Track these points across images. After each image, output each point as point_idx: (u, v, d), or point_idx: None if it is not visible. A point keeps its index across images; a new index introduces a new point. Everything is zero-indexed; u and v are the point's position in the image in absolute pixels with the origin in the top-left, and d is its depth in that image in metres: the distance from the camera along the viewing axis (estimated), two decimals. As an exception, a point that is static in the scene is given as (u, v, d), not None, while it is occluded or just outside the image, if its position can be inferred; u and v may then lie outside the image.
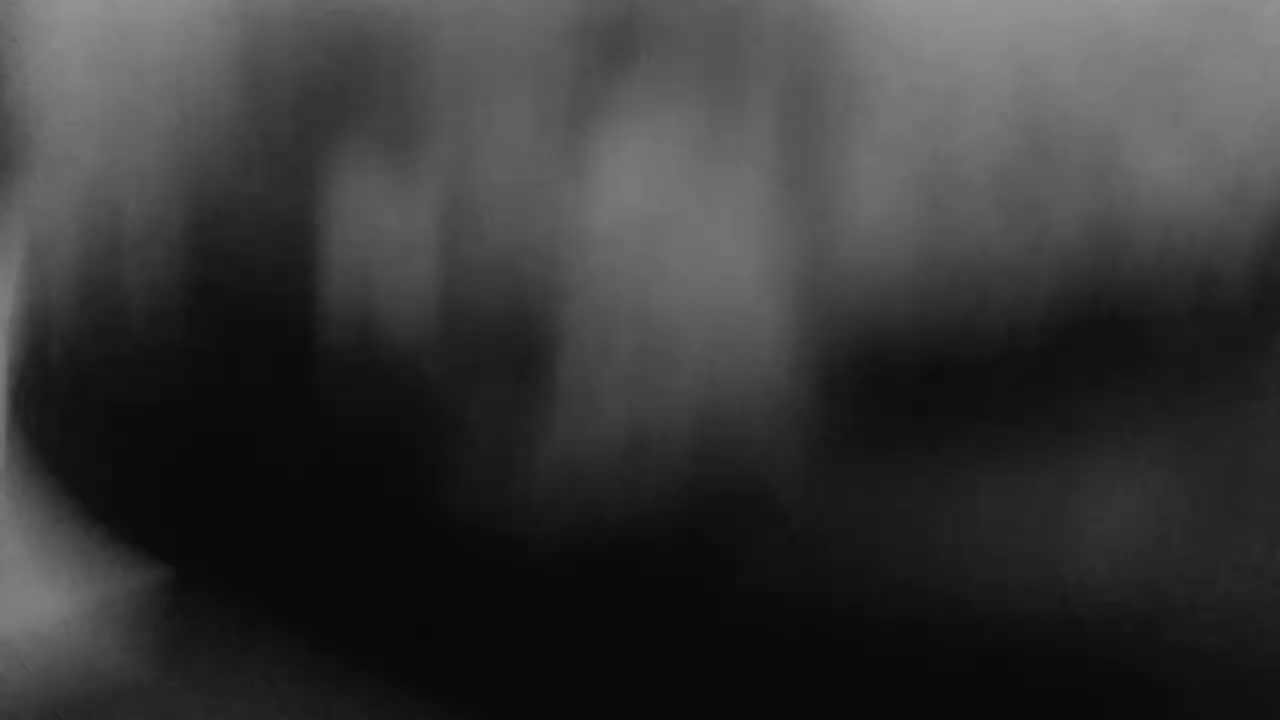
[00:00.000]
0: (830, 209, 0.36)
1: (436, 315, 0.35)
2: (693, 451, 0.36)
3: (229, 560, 0.46)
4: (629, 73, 0.37)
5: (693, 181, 0.37)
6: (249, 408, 0.42)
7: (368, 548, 0.41)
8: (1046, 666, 0.37)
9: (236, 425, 0.43)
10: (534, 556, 0.37)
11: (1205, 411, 0.39)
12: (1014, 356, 0.37)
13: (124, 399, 0.45)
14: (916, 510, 0.38)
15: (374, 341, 0.35)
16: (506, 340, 0.35)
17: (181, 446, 0.44)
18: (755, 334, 0.36)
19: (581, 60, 0.37)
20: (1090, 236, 0.37)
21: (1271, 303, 0.39)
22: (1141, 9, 0.38)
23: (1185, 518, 0.38)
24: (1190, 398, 0.40)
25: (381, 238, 0.36)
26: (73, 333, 0.42)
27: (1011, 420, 0.38)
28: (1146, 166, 0.37)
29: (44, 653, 1.17)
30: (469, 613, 0.40)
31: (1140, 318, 0.38)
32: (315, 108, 0.39)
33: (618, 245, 0.35)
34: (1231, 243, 0.38)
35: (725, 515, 0.37)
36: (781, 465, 0.36)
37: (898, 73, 0.37)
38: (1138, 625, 0.37)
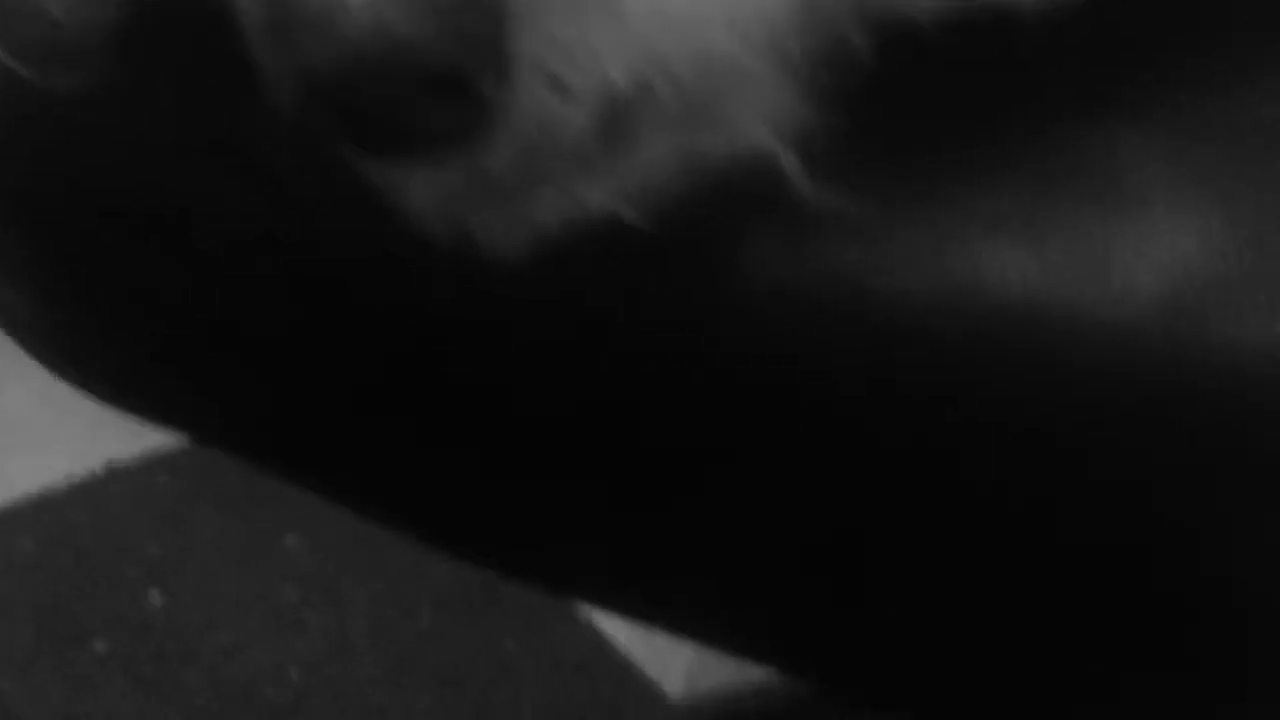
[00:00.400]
0: None
1: None
2: (681, 123, 0.31)
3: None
4: None
5: None
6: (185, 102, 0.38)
7: (331, 283, 0.36)
8: (1087, 368, 0.32)
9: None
10: (503, 262, 0.31)
11: (1265, 103, 0.34)
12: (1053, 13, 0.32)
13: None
14: (937, 192, 0.32)
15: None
16: None
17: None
18: None
19: None
20: None
21: None
22: None
23: (1230, 214, 0.33)
24: (1253, 85, 0.34)
25: None
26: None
27: (1048, 92, 0.33)
28: None
29: (58, 510, 1.15)
30: (443, 344, 0.35)
31: None
32: None
33: None
34: None
35: (718, 200, 0.32)
36: (782, 138, 0.31)
37: None
38: (1182, 320, 0.32)
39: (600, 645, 1.21)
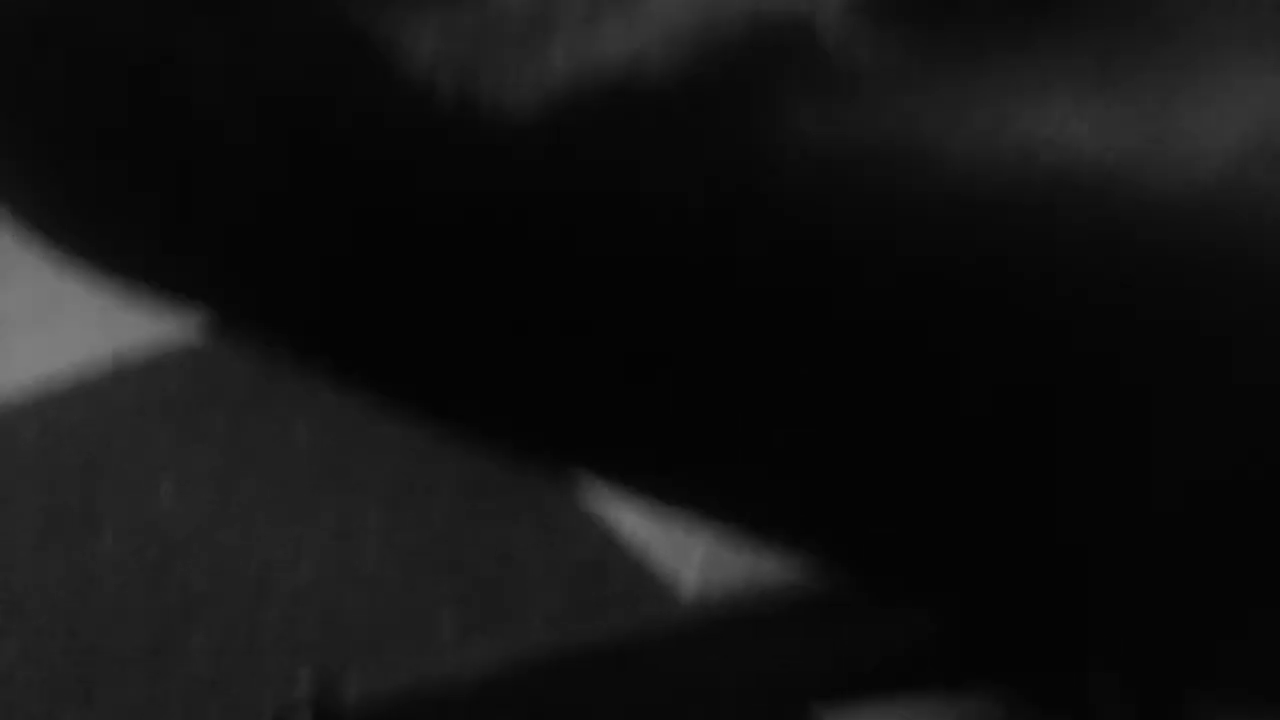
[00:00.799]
0: None
1: None
2: None
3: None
4: None
5: None
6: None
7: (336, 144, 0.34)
8: (1154, 236, 0.29)
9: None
10: (511, 119, 0.29)
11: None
12: None
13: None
14: (988, 44, 0.30)
15: None
16: None
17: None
18: None
19: None
20: None
21: None
22: None
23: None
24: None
25: None
26: None
27: None
28: None
29: (66, 404, 1.14)
30: (445, 205, 0.33)
31: None
32: None
33: None
34: None
35: (744, 54, 0.29)
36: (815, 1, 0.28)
37: None
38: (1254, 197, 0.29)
39: (613, 540, 1.20)
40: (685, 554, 1.18)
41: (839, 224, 0.30)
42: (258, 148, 0.36)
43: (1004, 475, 0.32)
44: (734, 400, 0.34)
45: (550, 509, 1.24)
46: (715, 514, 0.38)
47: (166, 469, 1.31)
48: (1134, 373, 0.30)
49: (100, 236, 0.44)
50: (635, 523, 1.21)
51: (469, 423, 0.41)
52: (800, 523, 0.37)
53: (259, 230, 0.38)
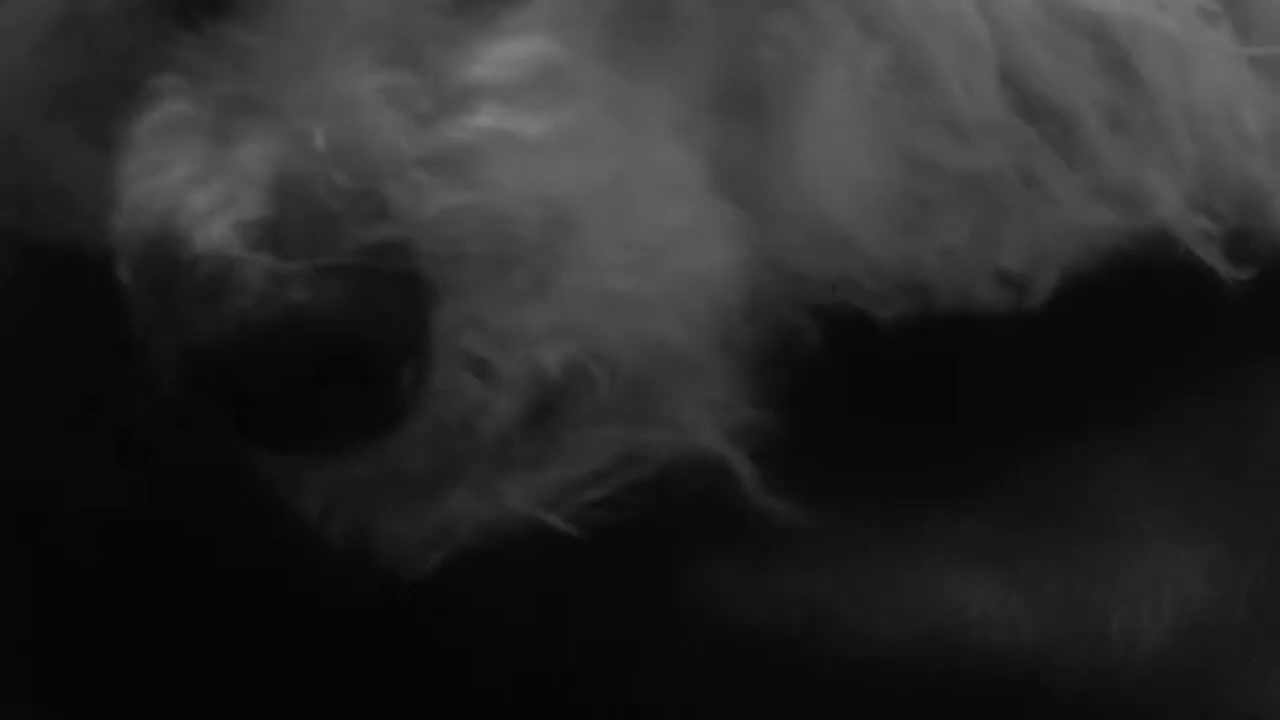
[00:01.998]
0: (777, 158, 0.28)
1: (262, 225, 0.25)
2: (618, 415, 0.28)
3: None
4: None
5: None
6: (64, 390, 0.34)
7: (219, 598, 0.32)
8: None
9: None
10: (406, 573, 0.27)
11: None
12: (1016, 319, 0.29)
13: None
14: (907, 513, 0.29)
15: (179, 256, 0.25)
16: (349, 233, 0.25)
17: None
18: (694, 273, 0.27)
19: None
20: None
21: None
22: None
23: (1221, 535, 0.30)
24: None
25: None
26: None
27: (1009, 401, 0.30)
28: None
29: None
30: (346, 668, 0.31)
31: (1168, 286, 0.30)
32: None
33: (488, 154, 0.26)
34: None
35: (658, 506, 0.28)
36: (731, 438, 0.27)
37: None
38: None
39: None
40: None
41: (757, 696, 0.29)
42: (111, 573, 0.34)
43: None
44: None
45: None
46: None
47: None
48: None
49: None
50: None
51: None
52: None
53: (109, 656, 0.35)
